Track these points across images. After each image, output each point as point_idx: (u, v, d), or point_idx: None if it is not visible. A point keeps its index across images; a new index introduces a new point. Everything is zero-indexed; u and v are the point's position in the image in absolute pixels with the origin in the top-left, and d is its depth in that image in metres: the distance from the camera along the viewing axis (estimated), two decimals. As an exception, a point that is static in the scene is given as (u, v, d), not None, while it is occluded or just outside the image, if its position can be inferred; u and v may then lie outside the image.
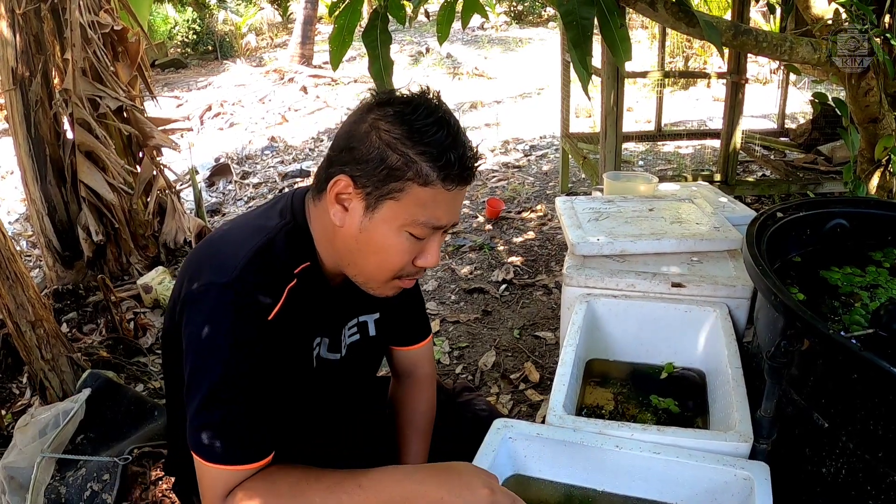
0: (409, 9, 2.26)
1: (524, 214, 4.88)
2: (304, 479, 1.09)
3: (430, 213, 1.08)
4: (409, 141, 1.05)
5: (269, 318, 1.08)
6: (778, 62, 6.42)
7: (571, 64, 1.96)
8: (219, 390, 1.06)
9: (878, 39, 2.25)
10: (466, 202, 5.22)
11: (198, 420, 1.07)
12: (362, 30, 2.22)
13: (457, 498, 1.02)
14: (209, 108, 9.39)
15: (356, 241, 1.11)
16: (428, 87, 1.13)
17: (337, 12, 2.21)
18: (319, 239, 1.18)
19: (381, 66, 2.18)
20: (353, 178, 1.08)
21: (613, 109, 3.74)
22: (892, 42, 2.28)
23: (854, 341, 1.22)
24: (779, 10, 3.44)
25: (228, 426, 1.06)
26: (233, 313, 1.06)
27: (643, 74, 4.74)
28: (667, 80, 5.80)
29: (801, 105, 7.33)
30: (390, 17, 2.21)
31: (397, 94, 1.12)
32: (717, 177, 4.12)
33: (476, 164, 1.12)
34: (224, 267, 1.08)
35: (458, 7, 2.52)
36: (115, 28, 3.83)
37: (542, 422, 1.34)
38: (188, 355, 1.08)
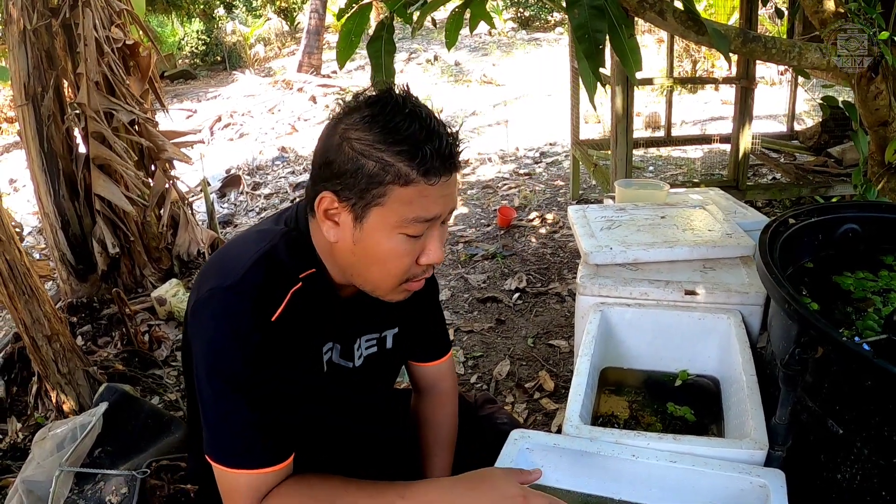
0: (415, 16, 2.27)
1: (535, 223, 4.89)
2: (344, 486, 1.10)
3: (419, 209, 1.05)
4: (381, 144, 1.03)
5: (273, 318, 1.08)
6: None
7: (580, 74, 1.97)
8: (230, 391, 1.06)
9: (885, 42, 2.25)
10: (478, 210, 5.23)
11: (212, 425, 1.08)
12: (368, 39, 2.23)
13: None
14: (219, 119, 9.45)
15: (353, 254, 1.10)
16: (395, 83, 1.11)
17: (345, 18, 2.22)
18: (322, 250, 1.17)
19: (384, 76, 2.19)
20: (336, 193, 1.07)
21: (623, 117, 3.75)
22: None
23: (867, 347, 1.23)
24: (786, 14, 3.44)
25: (244, 428, 1.06)
26: (236, 314, 1.06)
27: (653, 81, 4.74)
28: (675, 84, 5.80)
29: (809, 107, 7.32)
30: (397, 23, 2.22)
31: (362, 97, 1.09)
32: (729, 181, 4.12)
33: (458, 150, 1.08)
34: (228, 272, 1.08)
35: (466, 14, 2.53)
36: (127, 42, 3.87)
37: (558, 431, 1.35)
38: (197, 360, 1.09)
